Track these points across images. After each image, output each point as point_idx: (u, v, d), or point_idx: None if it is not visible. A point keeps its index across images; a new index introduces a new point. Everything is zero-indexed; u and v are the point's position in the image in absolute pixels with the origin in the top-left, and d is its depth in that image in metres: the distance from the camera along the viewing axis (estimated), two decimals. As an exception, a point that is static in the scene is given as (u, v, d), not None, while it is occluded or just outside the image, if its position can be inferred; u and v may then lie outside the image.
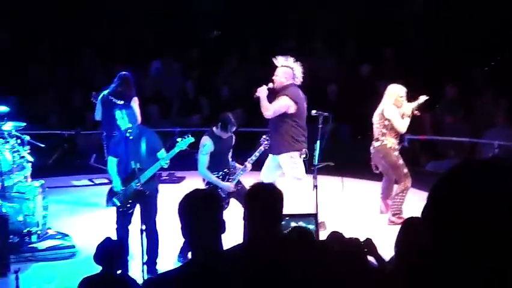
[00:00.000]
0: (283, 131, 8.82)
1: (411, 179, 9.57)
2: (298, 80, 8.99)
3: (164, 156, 7.76)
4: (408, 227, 4.26)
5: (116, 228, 7.85)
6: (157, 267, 7.76)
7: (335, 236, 5.43)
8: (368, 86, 13.76)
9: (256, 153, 8.36)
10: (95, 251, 5.69)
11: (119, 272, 5.69)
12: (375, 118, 9.59)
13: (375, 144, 9.58)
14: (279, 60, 8.98)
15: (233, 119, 8.21)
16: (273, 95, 8.88)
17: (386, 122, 9.47)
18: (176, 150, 7.80)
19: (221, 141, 8.21)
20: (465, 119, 13.27)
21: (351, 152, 12.28)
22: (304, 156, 8.84)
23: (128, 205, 7.82)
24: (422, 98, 9.53)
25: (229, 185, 8.20)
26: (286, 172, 8.90)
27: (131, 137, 7.65)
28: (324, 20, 16.18)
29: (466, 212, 1.67)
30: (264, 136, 8.56)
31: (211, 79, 15.89)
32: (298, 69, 8.98)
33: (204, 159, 8.16)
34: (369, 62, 14.82)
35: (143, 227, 7.44)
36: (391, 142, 9.48)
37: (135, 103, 10.25)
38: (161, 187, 11.34)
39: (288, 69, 8.92)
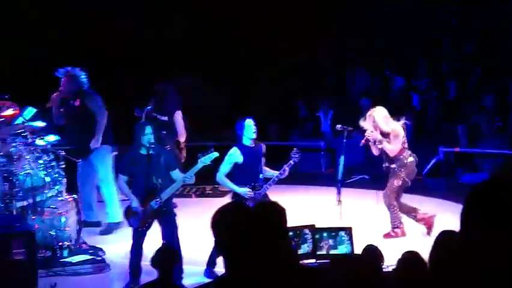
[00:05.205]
0: None
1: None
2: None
3: (186, 174, 7.66)
4: (443, 240, 4.19)
5: (132, 248, 7.76)
6: (182, 282, 7.66)
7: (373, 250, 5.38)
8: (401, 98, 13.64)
9: (286, 167, 8.17)
10: (154, 255, 5.72)
11: None
12: None
13: None
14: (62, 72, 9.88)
15: None
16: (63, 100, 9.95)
17: None
18: (199, 166, 7.66)
19: (249, 152, 8.04)
20: (502, 129, 13.02)
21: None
22: None
23: (147, 224, 7.73)
24: None
25: (245, 191, 7.90)
26: None
27: (153, 153, 7.61)
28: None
29: (496, 226, 1.63)
30: (295, 149, 8.40)
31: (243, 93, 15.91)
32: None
33: (225, 166, 7.98)
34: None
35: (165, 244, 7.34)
36: None
37: (179, 116, 10.25)
38: (205, 201, 11.38)
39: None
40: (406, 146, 9.36)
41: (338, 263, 4.02)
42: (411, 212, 9.48)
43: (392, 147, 9.23)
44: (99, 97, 10.00)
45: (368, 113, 9.34)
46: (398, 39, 15.87)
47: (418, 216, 9.47)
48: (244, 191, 7.90)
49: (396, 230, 9.29)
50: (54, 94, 10.03)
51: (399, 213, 9.36)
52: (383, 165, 9.44)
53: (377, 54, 15.95)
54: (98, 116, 9.85)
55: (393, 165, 9.34)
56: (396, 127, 9.26)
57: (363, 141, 9.21)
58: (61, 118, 10.10)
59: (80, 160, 10.15)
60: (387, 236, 9.26)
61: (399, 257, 4.56)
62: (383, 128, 9.21)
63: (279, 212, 3.75)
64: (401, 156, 9.29)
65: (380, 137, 9.21)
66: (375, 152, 9.37)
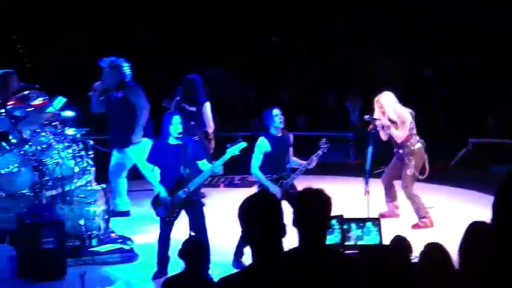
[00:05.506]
0: None
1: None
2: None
3: (214, 164, 7.66)
4: (473, 231, 4.15)
5: (159, 238, 7.76)
6: (209, 272, 7.66)
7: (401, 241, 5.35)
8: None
9: (314, 157, 8.15)
10: (181, 247, 5.74)
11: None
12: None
13: None
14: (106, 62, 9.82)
15: None
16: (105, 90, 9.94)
17: None
18: (227, 156, 7.65)
19: (277, 141, 8.02)
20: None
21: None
22: None
23: (175, 214, 7.72)
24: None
25: (277, 190, 7.82)
26: None
27: (181, 143, 7.63)
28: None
29: None
30: (323, 139, 8.34)
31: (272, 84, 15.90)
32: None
33: (257, 158, 7.98)
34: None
35: (193, 234, 7.34)
36: None
37: (207, 108, 10.27)
38: (234, 191, 11.35)
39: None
40: (414, 132, 9.29)
41: (366, 254, 3.99)
42: (392, 198, 9.59)
43: (398, 133, 9.18)
44: (141, 90, 9.96)
45: (376, 99, 9.29)
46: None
47: (392, 203, 9.63)
48: (276, 190, 7.80)
49: (423, 220, 9.23)
50: (97, 82, 10.05)
51: (422, 202, 9.30)
52: (394, 150, 9.44)
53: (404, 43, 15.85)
54: (139, 109, 9.85)
55: (401, 151, 9.31)
56: (404, 113, 9.21)
57: (370, 126, 9.16)
58: (100, 107, 10.12)
59: (113, 149, 10.16)
60: (415, 226, 9.20)
61: (422, 249, 4.51)
62: (390, 113, 9.17)
63: (323, 200, 3.68)
64: (408, 143, 9.24)
65: (387, 122, 9.18)
66: (383, 137, 9.33)
